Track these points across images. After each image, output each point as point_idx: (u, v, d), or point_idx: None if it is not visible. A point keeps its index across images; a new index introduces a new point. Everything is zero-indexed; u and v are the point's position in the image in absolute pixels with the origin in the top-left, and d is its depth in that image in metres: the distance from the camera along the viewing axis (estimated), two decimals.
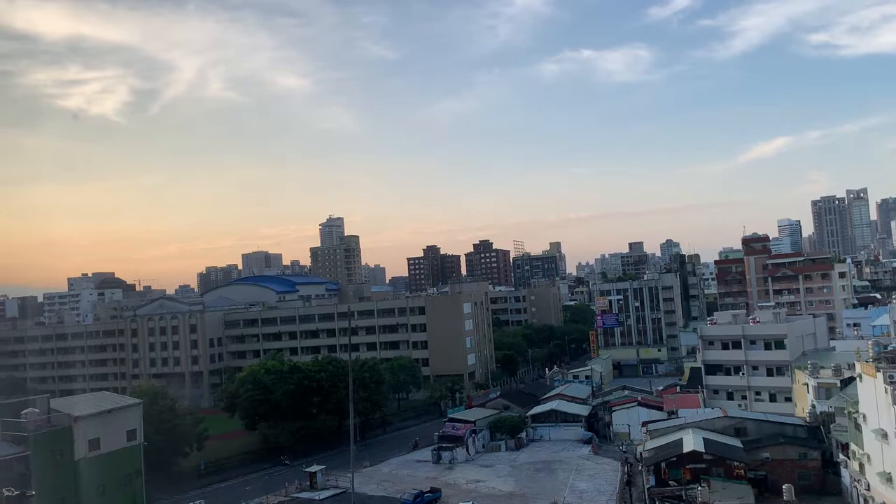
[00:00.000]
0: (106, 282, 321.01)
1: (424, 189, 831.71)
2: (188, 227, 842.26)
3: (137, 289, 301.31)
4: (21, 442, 56.02)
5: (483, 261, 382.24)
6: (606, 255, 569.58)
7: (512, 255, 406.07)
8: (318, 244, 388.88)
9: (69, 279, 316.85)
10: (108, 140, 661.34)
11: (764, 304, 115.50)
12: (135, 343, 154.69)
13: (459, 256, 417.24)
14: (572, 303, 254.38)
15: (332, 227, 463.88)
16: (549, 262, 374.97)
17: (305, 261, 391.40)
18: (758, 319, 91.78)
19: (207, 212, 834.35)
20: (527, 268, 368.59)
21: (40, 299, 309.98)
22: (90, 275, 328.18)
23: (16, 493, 50.53)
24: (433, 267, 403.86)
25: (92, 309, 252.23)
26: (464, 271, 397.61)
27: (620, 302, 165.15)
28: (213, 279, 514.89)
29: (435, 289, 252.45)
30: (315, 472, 76.06)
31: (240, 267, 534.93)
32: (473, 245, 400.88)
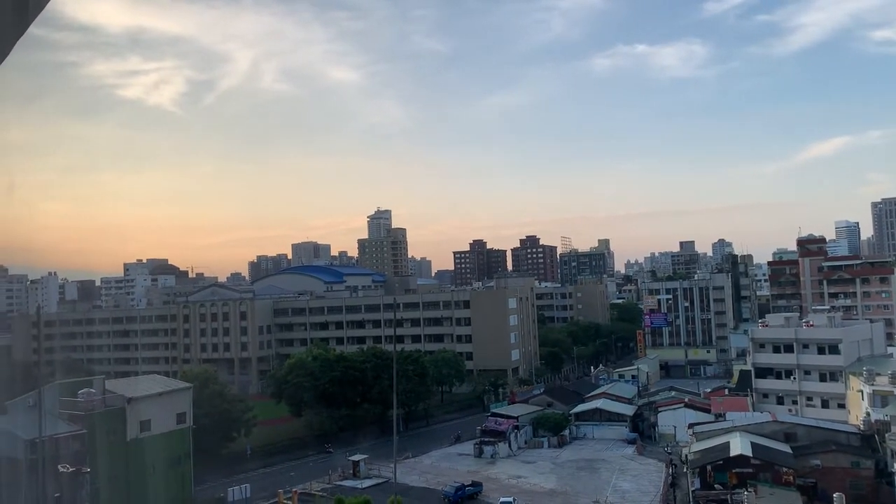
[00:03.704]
0: (160, 268, 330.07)
1: (471, 183, 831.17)
2: (239, 216, 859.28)
3: (190, 275, 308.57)
4: (77, 421, 58.12)
5: (529, 256, 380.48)
6: (656, 254, 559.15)
7: (559, 251, 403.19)
8: (365, 236, 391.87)
9: (125, 264, 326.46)
10: (165, 130, 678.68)
11: (818, 307, 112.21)
12: (186, 328, 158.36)
13: (505, 251, 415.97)
14: (620, 301, 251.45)
15: (379, 220, 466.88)
16: (597, 260, 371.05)
17: (353, 252, 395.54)
18: (811, 323, 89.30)
19: (258, 201, 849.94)
20: (574, 264, 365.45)
21: (98, 283, 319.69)
22: (145, 261, 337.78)
23: (71, 469, 52.59)
24: (479, 261, 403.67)
25: (146, 294, 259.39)
26: (510, 266, 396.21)
27: (669, 301, 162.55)
28: (263, 268, 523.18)
29: (480, 283, 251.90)
30: (358, 461, 77.03)
31: (289, 256, 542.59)
32: (520, 240, 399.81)
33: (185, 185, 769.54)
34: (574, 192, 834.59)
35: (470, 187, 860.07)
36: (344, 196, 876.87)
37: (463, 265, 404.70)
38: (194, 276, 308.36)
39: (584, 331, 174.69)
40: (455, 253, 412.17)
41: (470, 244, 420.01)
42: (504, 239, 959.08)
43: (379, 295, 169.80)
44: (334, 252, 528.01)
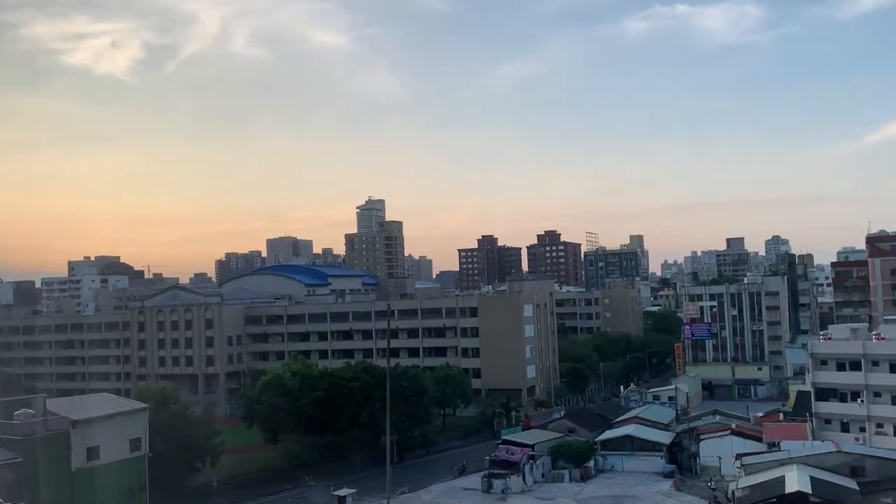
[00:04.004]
0: (111, 266, 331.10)
1: (480, 169, 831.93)
2: (205, 206, 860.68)
3: (146, 276, 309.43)
4: (12, 447, 58.03)
5: (549, 255, 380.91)
6: (699, 253, 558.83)
7: (583, 249, 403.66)
8: (354, 230, 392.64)
9: (70, 262, 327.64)
10: (118, 103, 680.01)
11: (891, 316, 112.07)
12: (142, 339, 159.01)
13: (520, 249, 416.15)
14: (655, 308, 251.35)
15: (371, 211, 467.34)
16: (629, 259, 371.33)
17: (339, 249, 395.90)
18: (883, 336, 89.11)
19: (228, 189, 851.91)
20: (601, 265, 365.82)
21: (38, 284, 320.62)
22: (93, 258, 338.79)
23: None
24: (489, 261, 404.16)
25: (94, 298, 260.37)
26: (525, 267, 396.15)
27: (714, 309, 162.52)
28: (234, 267, 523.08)
29: (490, 287, 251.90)
30: (345, 497, 77.16)
31: (264, 254, 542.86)
32: (537, 236, 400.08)
33: (142, 169, 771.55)
34: (602, 180, 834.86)
35: (478, 174, 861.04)
36: (329, 183, 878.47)
37: (470, 265, 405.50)
38: (151, 276, 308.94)
39: (613, 344, 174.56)
40: (460, 251, 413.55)
41: (478, 240, 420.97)
42: (519, 235, 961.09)
43: (370, 300, 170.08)
44: (317, 249, 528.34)
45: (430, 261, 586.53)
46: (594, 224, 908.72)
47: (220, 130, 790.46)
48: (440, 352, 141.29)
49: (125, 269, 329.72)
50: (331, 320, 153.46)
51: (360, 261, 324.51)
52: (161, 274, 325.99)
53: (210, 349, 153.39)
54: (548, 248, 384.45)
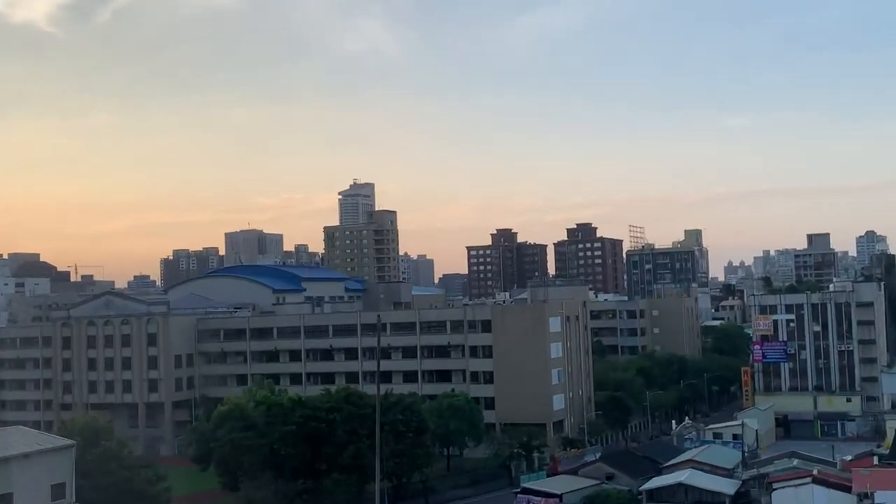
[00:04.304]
0: (27, 266, 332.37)
1: (495, 146, 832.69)
2: (148, 191, 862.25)
3: (73, 278, 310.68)
4: None
5: (581, 254, 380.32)
6: (772, 253, 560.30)
7: (626, 246, 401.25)
8: (335, 222, 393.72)
9: None
10: (38, 60, 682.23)
11: None
12: (67, 358, 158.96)
13: (545, 247, 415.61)
14: (716, 322, 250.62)
15: (356, 198, 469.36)
16: (683, 260, 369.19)
17: (317, 246, 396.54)
18: None
19: (176, 170, 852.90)
20: (648, 267, 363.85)
21: None
22: (5, 256, 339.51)
23: None
24: (505, 261, 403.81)
25: (6, 306, 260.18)
26: (551, 269, 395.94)
27: (791, 324, 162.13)
28: (183, 268, 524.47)
29: (508, 294, 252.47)
30: None
31: (221, 251, 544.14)
32: (567, 230, 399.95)
33: (67, 143, 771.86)
34: (649, 161, 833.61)
35: (493, 153, 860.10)
36: (305, 163, 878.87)
37: (482, 267, 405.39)
38: (79, 279, 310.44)
39: (663, 367, 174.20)
40: (470, 249, 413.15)
41: (492, 236, 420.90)
42: (544, 228, 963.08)
43: (355, 311, 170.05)
44: (289, 246, 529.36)
45: (432, 261, 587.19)
46: (639, 215, 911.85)
47: (166, 96, 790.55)
48: (444, 376, 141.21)
49: (46, 270, 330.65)
50: (306, 335, 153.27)
51: (342, 261, 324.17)
52: (92, 276, 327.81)
53: (153, 371, 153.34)
54: (580, 246, 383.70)
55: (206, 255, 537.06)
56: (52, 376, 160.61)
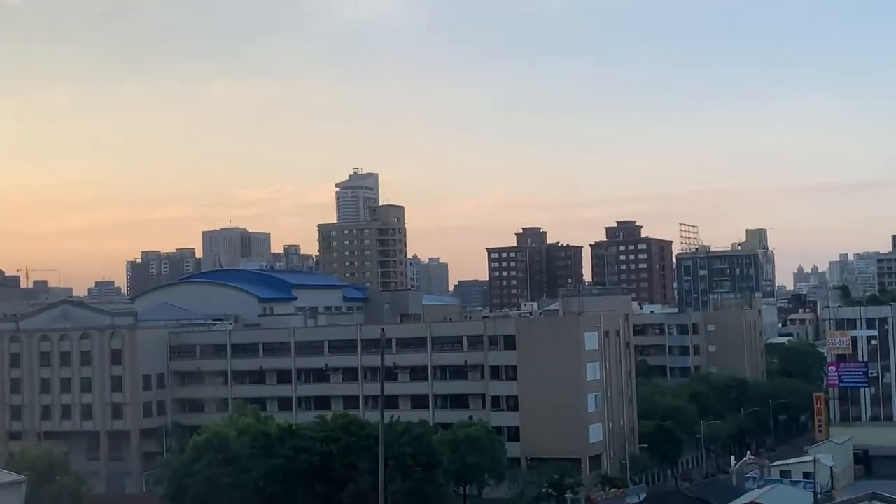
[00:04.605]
0: None
1: (521, 128, 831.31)
2: (113, 182, 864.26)
3: (23, 284, 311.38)
4: None
5: (624, 258, 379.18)
6: (850, 257, 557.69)
7: (676, 249, 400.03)
8: (332, 219, 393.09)
9: None
10: None
11: None
12: (15, 378, 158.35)
13: (580, 249, 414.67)
14: (784, 339, 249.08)
15: (357, 191, 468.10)
16: (745, 265, 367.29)
17: (310, 247, 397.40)
18: None
19: (146, 158, 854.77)
20: (702, 273, 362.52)
21: None
22: None
23: None
24: (533, 266, 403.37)
25: None
26: (588, 275, 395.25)
27: (874, 342, 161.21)
28: (153, 273, 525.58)
29: (535, 305, 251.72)
30: None
31: (198, 253, 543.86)
32: (607, 229, 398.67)
33: (15, 124, 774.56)
34: (704, 147, 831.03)
35: (519, 136, 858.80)
36: (296, 149, 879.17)
37: (506, 272, 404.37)
38: (30, 285, 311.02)
39: (720, 392, 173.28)
40: (491, 251, 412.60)
41: (517, 235, 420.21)
42: (579, 226, 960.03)
43: (355, 324, 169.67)
44: (277, 247, 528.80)
45: (446, 265, 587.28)
46: (692, 212, 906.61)
47: (133, 70, 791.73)
48: (459, 401, 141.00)
49: None
50: (297, 353, 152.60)
51: (340, 264, 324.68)
52: (45, 282, 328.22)
53: (118, 394, 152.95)
54: (622, 248, 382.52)
55: (180, 258, 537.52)
56: None
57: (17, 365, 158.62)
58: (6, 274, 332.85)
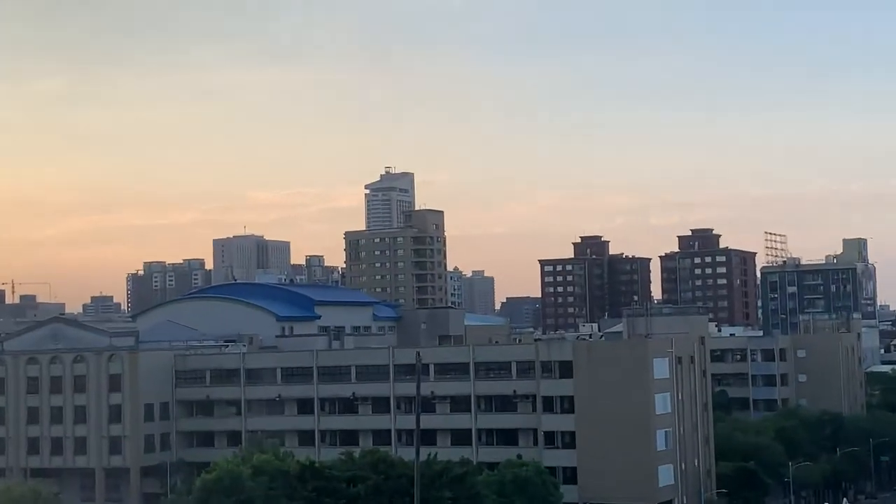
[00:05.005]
0: None
1: (580, 121, 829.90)
2: (111, 183, 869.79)
3: (9, 300, 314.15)
4: None
5: (699, 271, 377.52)
6: None
7: (761, 261, 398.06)
8: (361, 226, 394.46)
9: None
10: None
11: None
12: (1, 407, 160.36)
13: (648, 261, 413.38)
14: (887, 368, 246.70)
15: (390, 193, 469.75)
16: (842, 281, 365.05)
17: (335, 257, 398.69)
18: None
19: (148, 155, 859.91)
20: (791, 290, 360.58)
21: None
22: None
23: None
24: (593, 280, 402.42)
25: None
26: (657, 291, 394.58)
27: None
28: (157, 287, 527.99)
29: (596, 325, 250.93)
30: None
31: (209, 264, 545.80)
32: (679, 238, 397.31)
33: (4, 115, 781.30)
34: (793, 144, 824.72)
35: (576, 131, 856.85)
36: (320, 145, 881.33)
37: (561, 288, 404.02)
38: (17, 300, 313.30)
39: (812, 428, 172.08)
40: (544, 263, 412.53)
41: (575, 245, 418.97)
42: (646, 235, 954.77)
43: (386, 346, 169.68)
44: (298, 258, 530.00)
45: (491, 279, 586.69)
46: (780, 219, 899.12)
47: (133, 54, 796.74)
48: (507, 437, 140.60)
49: None
50: (320, 379, 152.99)
51: (370, 278, 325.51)
52: (34, 297, 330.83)
53: (116, 426, 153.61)
54: (697, 260, 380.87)
55: (187, 270, 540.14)
56: None
57: (1, 392, 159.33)
58: None
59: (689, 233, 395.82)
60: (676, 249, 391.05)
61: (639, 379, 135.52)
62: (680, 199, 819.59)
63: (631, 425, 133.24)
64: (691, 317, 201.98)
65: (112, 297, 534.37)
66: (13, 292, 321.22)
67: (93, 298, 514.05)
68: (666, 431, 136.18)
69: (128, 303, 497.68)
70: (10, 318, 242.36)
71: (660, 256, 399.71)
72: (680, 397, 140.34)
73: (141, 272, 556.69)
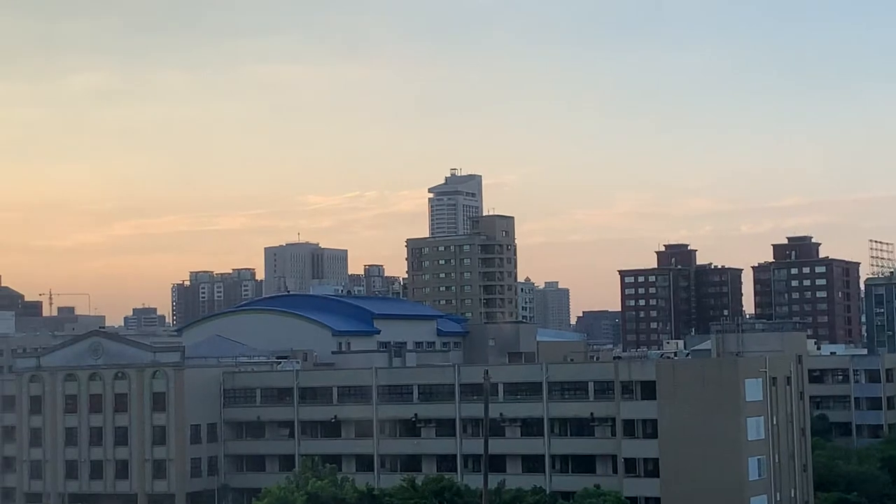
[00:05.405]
0: None
1: (658, 119, 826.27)
2: (154, 186, 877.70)
3: (46, 312, 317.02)
4: None
5: (796, 283, 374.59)
6: None
7: (865, 272, 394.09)
8: (424, 232, 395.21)
9: None
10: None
11: None
12: (36, 427, 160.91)
13: (740, 272, 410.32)
14: None
15: (455, 197, 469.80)
16: None
17: (396, 267, 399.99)
18: None
19: (194, 155, 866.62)
20: None
21: None
22: None
23: None
24: (678, 293, 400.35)
25: None
26: (749, 305, 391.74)
27: None
28: (205, 298, 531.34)
29: (681, 343, 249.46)
30: None
31: (259, 274, 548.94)
32: (774, 247, 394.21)
33: (38, 115, 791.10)
34: None
35: (656, 129, 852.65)
36: (378, 145, 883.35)
37: (643, 301, 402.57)
38: (55, 312, 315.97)
39: None
40: (625, 274, 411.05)
41: (658, 255, 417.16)
42: (737, 244, 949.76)
43: (452, 364, 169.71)
44: (356, 267, 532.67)
45: (566, 291, 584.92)
46: (887, 225, 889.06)
47: (176, 48, 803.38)
48: (584, 464, 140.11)
49: (9, 299, 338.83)
50: (379, 400, 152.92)
51: (434, 289, 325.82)
52: (73, 309, 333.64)
53: (160, 448, 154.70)
54: (794, 271, 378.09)
55: (237, 280, 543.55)
56: (16, 454, 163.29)
57: (37, 411, 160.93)
58: (25, 299, 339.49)
59: (785, 241, 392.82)
60: (771, 259, 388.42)
61: (729, 401, 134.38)
62: (774, 203, 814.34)
63: (720, 452, 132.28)
64: (787, 333, 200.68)
65: (155, 309, 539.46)
66: (50, 304, 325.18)
67: (135, 310, 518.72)
68: (759, 459, 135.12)
69: (172, 315, 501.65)
70: (48, 332, 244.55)
71: (752, 267, 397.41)
72: (774, 422, 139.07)
73: (187, 282, 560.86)
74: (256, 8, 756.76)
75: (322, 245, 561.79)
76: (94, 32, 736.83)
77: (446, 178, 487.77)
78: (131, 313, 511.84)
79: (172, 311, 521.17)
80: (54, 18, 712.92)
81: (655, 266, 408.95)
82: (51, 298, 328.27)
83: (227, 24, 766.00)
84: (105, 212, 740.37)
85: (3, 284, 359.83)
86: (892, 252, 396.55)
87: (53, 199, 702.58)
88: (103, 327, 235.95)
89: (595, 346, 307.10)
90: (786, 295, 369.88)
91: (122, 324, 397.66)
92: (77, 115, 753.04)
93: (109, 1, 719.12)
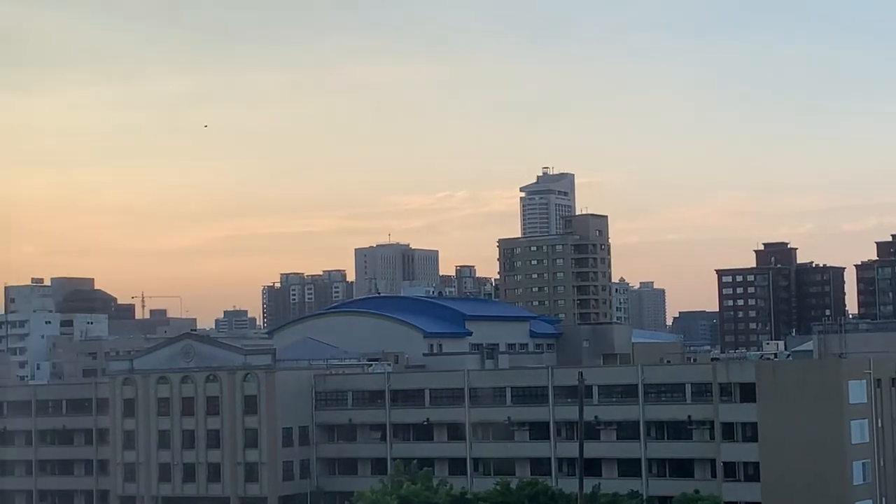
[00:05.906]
0: (76, 297, 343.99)
1: (754, 114, 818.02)
2: (244, 188, 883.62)
3: (138, 314, 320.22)
4: None
5: None
6: None
7: None
8: (516, 232, 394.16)
9: (7, 288, 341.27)
10: (86, 2, 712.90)
11: None
12: (129, 430, 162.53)
13: (842, 271, 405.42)
14: None
15: (548, 196, 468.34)
16: None
17: (488, 267, 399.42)
18: None
19: (283, 157, 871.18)
20: None
21: None
22: (47, 282, 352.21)
23: None
24: (778, 293, 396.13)
25: (49, 353, 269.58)
26: (852, 305, 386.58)
27: None
28: (295, 300, 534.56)
29: (782, 344, 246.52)
30: None
31: (350, 276, 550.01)
32: (877, 245, 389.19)
33: (129, 119, 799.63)
34: None
35: (753, 125, 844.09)
36: (469, 144, 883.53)
37: (742, 301, 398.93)
38: (147, 315, 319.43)
39: None
40: (722, 273, 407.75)
41: (757, 253, 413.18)
42: (839, 242, 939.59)
43: (545, 366, 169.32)
44: (447, 268, 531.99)
45: (662, 291, 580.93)
46: None
47: (262, 48, 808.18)
48: (682, 468, 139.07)
49: (102, 303, 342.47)
50: (471, 403, 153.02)
51: (526, 290, 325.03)
52: (165, 311, 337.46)
53: (252, 451, 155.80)
54: None
55: (327, 282, 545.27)
56: (110, 456, 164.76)
57: (130, 414, 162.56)
58: (119, 302, 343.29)
59: (890, 238, 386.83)
60: (874, 257, 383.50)
61: (832, 404, 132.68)
62: (877, 200, 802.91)
63: (823, 456, 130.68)
64: (892, 333, 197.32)
65: (246, 311, 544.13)
66: (143, 306, 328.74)
67: (226, 313, 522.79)
68: (864, 463, 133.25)
69: (263, 317, 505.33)
70: (140, 335, 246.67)
71: (855, 265, 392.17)
72: (880, 424, 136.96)
73: (277, 284, 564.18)
74: (344, 7, 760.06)
75: (413, 246, 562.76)
76: (188, 35, 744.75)
77: (538, 177, 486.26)
78: (222, 316, 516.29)
79: (263, 313, 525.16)
80: (150, 22, 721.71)
81: (754, 265, 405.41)
82: (143, 301, 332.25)
83: (319, 26, 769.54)
84: (196, 214, 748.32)
85: (95, 287, 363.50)
86: None
87: (146, 202, 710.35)
88: (195, 330, 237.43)
89: (692, 348, 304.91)
90: (890, 294, 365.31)
91: (214, 326, 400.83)
92: (170, 117, 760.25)
93: (202, 4, 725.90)
